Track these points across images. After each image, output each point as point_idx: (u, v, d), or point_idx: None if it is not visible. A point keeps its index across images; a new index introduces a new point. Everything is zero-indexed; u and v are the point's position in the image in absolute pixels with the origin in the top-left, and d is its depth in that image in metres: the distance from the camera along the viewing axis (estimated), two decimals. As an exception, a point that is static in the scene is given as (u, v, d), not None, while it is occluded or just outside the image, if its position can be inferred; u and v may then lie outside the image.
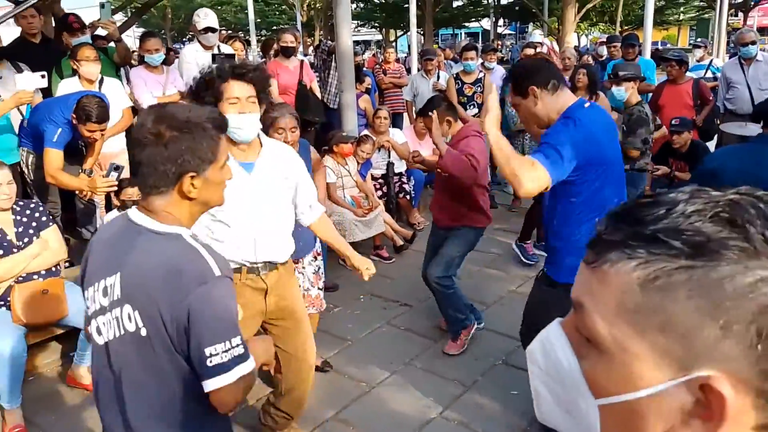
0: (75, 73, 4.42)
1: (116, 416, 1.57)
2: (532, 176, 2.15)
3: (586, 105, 2.43)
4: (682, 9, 28.07)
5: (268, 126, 3.58)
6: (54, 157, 3.80)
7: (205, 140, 1.48)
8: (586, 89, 5.51)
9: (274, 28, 29.38)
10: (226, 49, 5.24)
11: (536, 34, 12.74)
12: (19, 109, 4.17)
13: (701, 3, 27.00)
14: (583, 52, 8.84)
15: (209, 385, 1.42)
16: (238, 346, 1.42)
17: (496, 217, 6.09)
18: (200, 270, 1.43)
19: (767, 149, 2.79)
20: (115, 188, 3.92)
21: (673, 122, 5.24)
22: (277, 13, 31.13)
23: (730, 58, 8.58)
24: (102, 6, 5.05)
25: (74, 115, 3.81)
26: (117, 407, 1.56)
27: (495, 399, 3.31)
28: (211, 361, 1.40)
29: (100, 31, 5.74)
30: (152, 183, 1.48)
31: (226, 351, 1.40)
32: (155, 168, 1.46)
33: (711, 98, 6.26)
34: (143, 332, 1.45)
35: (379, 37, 34.14)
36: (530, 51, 6.91)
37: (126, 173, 4.35)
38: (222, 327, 1.42)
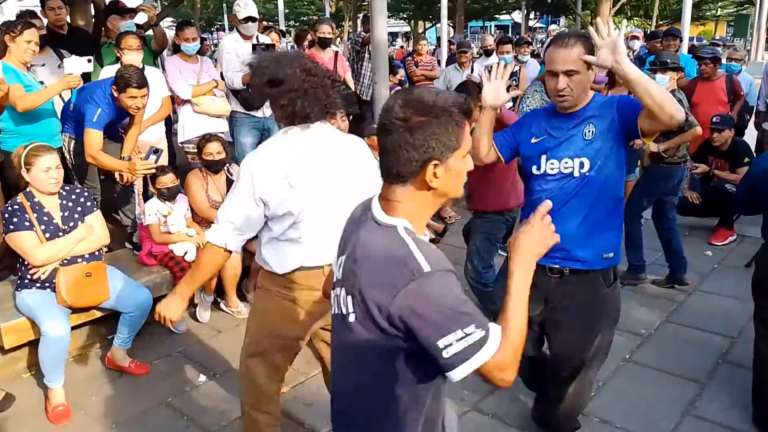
0: (117, 60, 4.49)
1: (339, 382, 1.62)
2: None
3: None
4: (720, 4, 27.46)
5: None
6: (94, 137, 3.85)
7: (451, 126, 1.39)
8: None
9: (303, 19, 29.44)
10: (265, 39, 5.27)
11: (563, 28, 12.58)
12: (61, 95, 4.25)
13: (739, -1, 26.41)
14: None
15: (454, 376, 1.37)
16: (472, 333, 1.34)
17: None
18: (409, 266, 1.35)
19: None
20: (154, 171, 3.97)
21: (714, 120, 5.15)
22: (306, 3, 31.17)
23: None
24: None
25: (114, 87, 3.86)
26: (342, 375, 1.59)
27: (529, 394, 3.29)
28: (447, 353, 1.34)
29: (138, 20, 5.84)
30: (396, 171, 1.40)
31: (459, 340, 1.33)
32: (399, 155, 1.38)
33: (743, 93, 6.17)
34: (351, 318, 1.43)
35: (407, 28, 33.98)
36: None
37: (164, 158, 4.43)
38: (445, 319, 1.34)
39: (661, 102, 2.15)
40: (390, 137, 1.38)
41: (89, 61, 3.78)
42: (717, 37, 11.58)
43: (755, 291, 2.97)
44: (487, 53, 7.96)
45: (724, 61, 6.62)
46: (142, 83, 3.86)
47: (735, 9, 27.75)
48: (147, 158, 3.94)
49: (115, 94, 3.86)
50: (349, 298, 1.42)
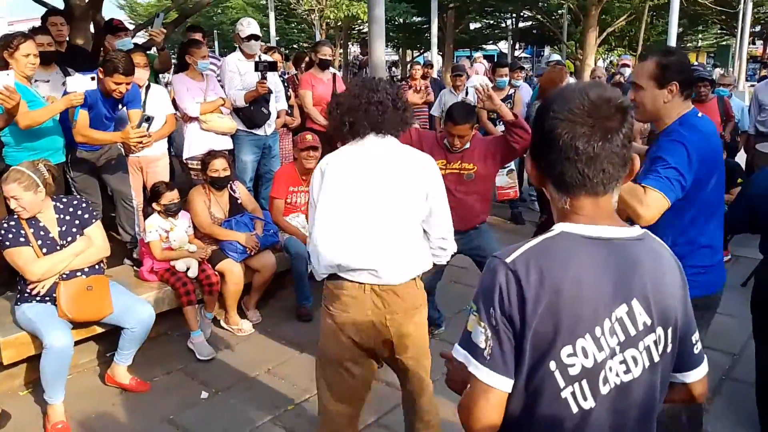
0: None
1: None
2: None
3: (699, 115, 2.38)
4: (701, 35, 28.15)
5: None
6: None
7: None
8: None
9: (294, 46, 29.69)
10: (268, 58, 5.31)
11: (554, 56, 12.89)
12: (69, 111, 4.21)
13: (721, 30, 27.09)
14: (608, 74, 8.88)
15: (693, 375, 1.34)
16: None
17: (525, 234, 6.11)
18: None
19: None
20: (148, 139, 3.96)
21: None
22: (296, 30, 31.48)
23: (758, 81, 8.59)
24: (157, 16, 5.18)
25: (101, 69, 3.85)
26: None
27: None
28: (696, 348, 1.33)
29: (137, 39, 5.86)
30: (618, 177, 1.23)
31: (698, 339, 1.35)
32: (615, 162, 1.21)
33: (733, 115, 6.36)
34: (669, 348, 1.28)
35: (395, 57, 34.39)
36: (559, 70, 6.95)
37: (165, 173, 4.42)
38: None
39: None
40: (609, 144, 1.19)
41: (93, 79, 3.75)
42: (695, 63, 11.90)
43: (755, 308, 2.98)
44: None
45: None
46: (130, 71, 3.88)
47: (715, 40, 28.48)
48: (139, 126, 3.91)
49: (101, 76, 3.85)
50: (669, 330, 1.27)
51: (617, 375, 1.22)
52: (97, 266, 3.46)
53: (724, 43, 27.56)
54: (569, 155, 1.19)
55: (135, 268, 4.30)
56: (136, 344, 3.49)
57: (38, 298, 3.27)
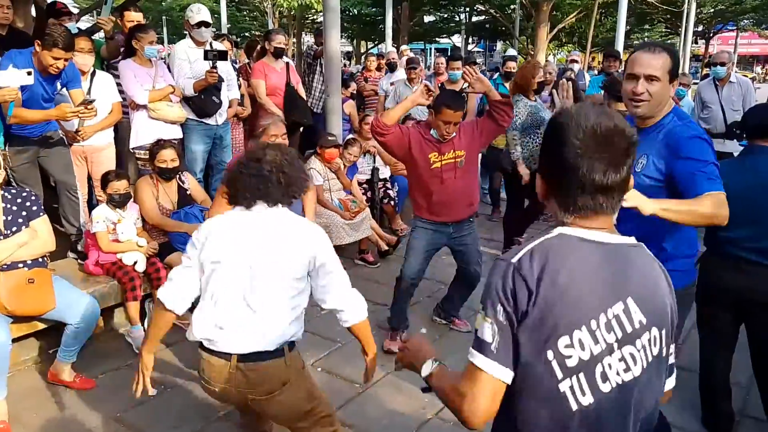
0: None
1: None
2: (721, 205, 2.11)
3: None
4: (647, 34, 29.01)
5: (260, 134, 3.68)
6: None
7: None
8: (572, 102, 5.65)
9: (246, 34, 29.21)
10: (219, 46, 5.18)
11: (510, 51, 13.08)
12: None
13: (666, 29, 27.97)
14: (559, 70, 9.07)
15: (668, 384, 1.43)
16: None
17: (478, 227, 6.15)
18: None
19: (760, 159, 2.89)
20: (86, 113, 3.84)
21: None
22: (248, 18, 30.99)
23: (701, 80, 8.89)
24: (105, 2, 4.97)
25: (38, 42, 3.69)
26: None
27: (490, 401, 3.32)
28: (671, 359, 1.41)
29: (81, 25, 5.64)
30: (620, 200, 1.33)
31: (673, 351, 1.42)
32: (622, 189, 1.32)
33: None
34: (664, 351, 1.35)
35: (349, 48, 34.25)
36: (513, 64, 7.03)
37: (111, 163, 4.26)
38: None
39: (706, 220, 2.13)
40: (619, 175, 1.28)
41: (29, 73, 3.54)
42: None
43: (698, 297, 3.07)
44: (391, 68, 8.16)
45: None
46: (70, 46, 3.74)
47: (661, 38, 29.39)
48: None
49: (38, 49, 3.70)
50: (663, 332, 1.34)
51: (618, 374, 1.27)
52: (40, 259, 3.31)
53: (668, 41, 28.46)
54: (584, 185, 1.27)
55: (80, 261, 4.14)
56: (80, 340, 3.36)
57: (-25, 292, 3.11)
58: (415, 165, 3.71)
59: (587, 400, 1.26)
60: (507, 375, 1.28)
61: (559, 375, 1.25)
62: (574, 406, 1.25)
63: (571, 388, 1.25)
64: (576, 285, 1.25)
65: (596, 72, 7.57)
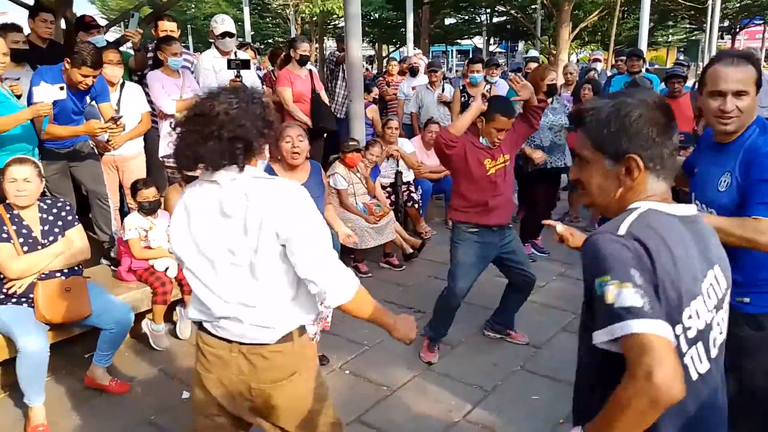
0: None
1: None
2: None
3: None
4: (671, 30, 28.61)
5: (277, 137, 3.69)
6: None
7: None
8: (591, 103, 5.64)
9: (269, 41, 29.50)
10: (243, 55, 5.27)
11: (532, 52, 13.03)
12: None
13: (690, 25, 27.56)
14: (581, 70, 9.01)
15: None
16: None
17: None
18: None
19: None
20: (114, 129, 3.98)
21: (678, 138, 5.37)
22: (271, 26, 31.28)
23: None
24: (132, 16, 5.11)
25: (68, 60, 3.82)
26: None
27: (517, 404, 3.33)
28: None
29: (109, 36, 5.78)
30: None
31: None
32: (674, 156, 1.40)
33: None
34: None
35: (371, 52, 34.37)
36: (534, 65, 7.03)
37: (142, 172, 4.35)
38: None
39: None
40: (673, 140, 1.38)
41: (62, 88, 3.67)
42: (681, 58, 12.23)
43: None
44: (413, 72, 8.16)
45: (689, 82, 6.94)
46: (98, 63, 3.87)
47: (685, 35, 28.97)
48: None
49: (67, 66, 3.83)
50: (728, 290, 1.42)
51: (717, 335, 1.36)
52: (75, 268, 3.42)
53: (694, 38, 28.05)
54: (669, 152, 1.35)
55: (112, 267, 4.25)
56: (115, 345, 3.46)
57: (14, 300, 3.22)
58: (470, 173, 3.63)
59: (704, 367, 1.31)
60: (670, 332, 1.18)
61: (684, 348, 1.27)
62: (695, 376, 1.30)
63: (692, 358, 1.29)
64: (683, 255, 1.27)
65: (620, 72, 7.49)
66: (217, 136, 1.73)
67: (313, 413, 2.00)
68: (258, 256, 1.78)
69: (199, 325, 1.96)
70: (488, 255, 3.76)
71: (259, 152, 1.85)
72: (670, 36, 29.21)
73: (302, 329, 1.93)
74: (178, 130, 1.83)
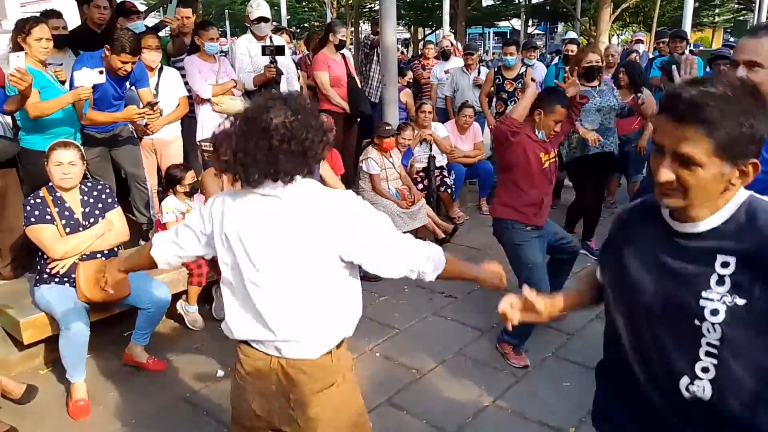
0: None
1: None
2: None
3: None
4: (717, 11, 27.64)
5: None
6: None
7: None
8: (628, 87, 5.50)
9: (305, 25, 29.55)
10: (278, 40, 5.31)
11: (570, 34, 12.75)
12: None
13: (737, 5, 26.57)
14: (623, 51, 8.76)
15: None
16: None
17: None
18: None
19: None
20: (151, 114, 4.08)
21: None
22: (307, 9, 31.32)
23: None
24: (170, 2, 5.18)
25: (108, 47, 3.92)
26: None
27: (548, 390, 3.32)
28: None
29: (148, 22, 5.87)
30: None
31: None
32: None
33: None
34: None
35: (407, 35, 34.12)
36: (573, 47, 6.88)
37: (179, 155, 4.42)
38: None
39: None
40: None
41: (101, 72, 3.76)
42: (732, 40, 11.80)
43: None
44: (445, 56, 8.07)
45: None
46: (137, 50, 3.96)
47: (732, 15, 27.96)
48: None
49: (107, 53, 3.92)
50: None
51: None
52: (115, 249, 3.53)
53: (741, 18, 27.04)
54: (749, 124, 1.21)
55: (150, 249, 4.35)
56: (152, 324, 3.56)
57: (57, 280, 3.34)
58: (529, 166, 3.51)
59: None
60: None
61: None
62: None
63: None
64: None
65: (662, 54, 7.27)
66: (286, 150, 1.71)
67: (355, 424, 2.00)
68: (314, 271, 1.79)
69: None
70: (545, 247, 3.72)
71: (319, 160, 1.83)
72: (716, 17, 28.23)
73: (340, 343, 1.93)
74: (232, 144, 1.75)
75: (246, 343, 1.93)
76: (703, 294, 1.31)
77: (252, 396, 1.95)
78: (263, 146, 1.71)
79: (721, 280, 1.30)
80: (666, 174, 1.26)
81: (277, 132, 1.70)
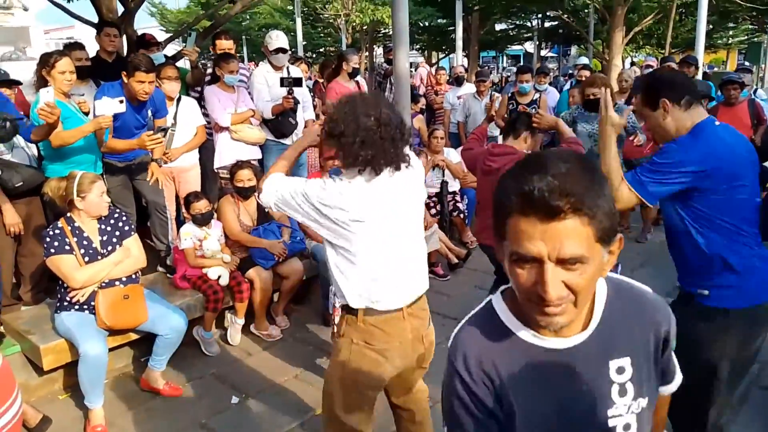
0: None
1: None
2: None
3: (716, 123, 2.24)
4: (731, 32, 27.62)
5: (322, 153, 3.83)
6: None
7: None
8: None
9: (320, 50, 29.91)
10: (295, 71, 5.42)
11: (581, 59, 12.83)
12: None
13: (751, 26, 26.55)
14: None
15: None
16: None
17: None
18: None
19: None
20: (162, 143, 4.19)
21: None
22: (323, 35, 31.74)
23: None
24: (189, 35, 5.34)
25: (124, 73, 4.04)
26: None
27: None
28: None
29: (167, 51, 6.03)
30: None
31: None
32: None
33: (765, 117, 6.21)
34: None
35: (420, 59, 34.44)
36: (586, 72, 6.95)
37: (196, 183, 4.50)
38: None
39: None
40: None
41: (121, 102, 3.85)
42: (746, 63, 11.79)
43: None
44: (458, 81, 8.17)
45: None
46: (151, 69, 4.05)
47: (746, 37, 27.90)
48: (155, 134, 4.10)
49: (125, 80, 4.03)
50: None
51: None
52: (133, 276, 3.60)
53: (755, 40, 26.99)
54: None
55: (168, 275, 4.44)
56: (169, 350, 3.61)
57: (77, 307, 3.41)
58: None
59: None
60: None
61: None
62: None
63: None
64: None
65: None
66: (404, 141, 2.17)
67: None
68: (420, 214, 2.34)
69: (365, 310, 2.22)
70: None
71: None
72: (730, 38, 28.19)
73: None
74: (361, 138, 2.08)
75: (374, 312, 2.21)
76: (609, 413, 1.14)
77: (394, 357, 2.26)
78: (388, 139, 2.11)
79: (622, 390, 1.15)
80: (557, 287, 1.02)
81: (398, 126, 2.15)
